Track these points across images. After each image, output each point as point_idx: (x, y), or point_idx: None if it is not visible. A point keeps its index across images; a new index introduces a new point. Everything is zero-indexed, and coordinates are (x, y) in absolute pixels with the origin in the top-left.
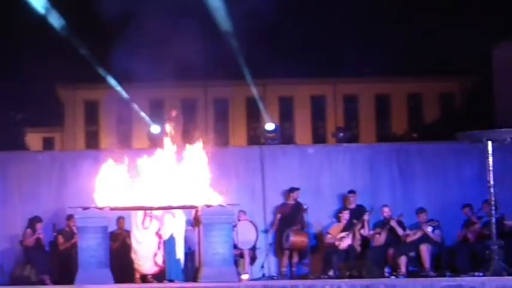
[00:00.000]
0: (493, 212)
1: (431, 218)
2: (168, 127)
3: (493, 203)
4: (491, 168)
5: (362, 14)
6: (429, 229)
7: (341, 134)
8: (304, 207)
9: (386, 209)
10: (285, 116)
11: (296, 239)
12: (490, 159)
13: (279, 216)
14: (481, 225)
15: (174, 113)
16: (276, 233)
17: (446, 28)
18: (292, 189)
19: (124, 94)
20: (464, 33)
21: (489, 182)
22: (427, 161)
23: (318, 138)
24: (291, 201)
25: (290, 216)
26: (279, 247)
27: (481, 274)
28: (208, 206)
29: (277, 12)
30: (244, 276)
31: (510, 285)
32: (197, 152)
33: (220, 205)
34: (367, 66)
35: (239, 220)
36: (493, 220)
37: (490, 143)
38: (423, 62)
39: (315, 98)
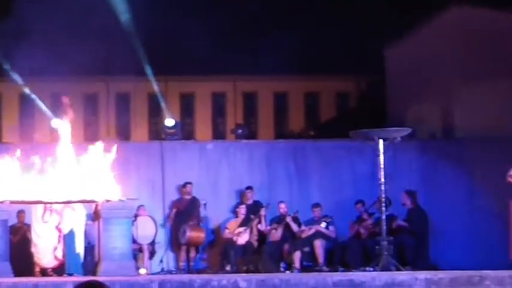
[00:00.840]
0: (383, 208)
1: (325, 214)
2: (65, 120)
3: (383, 200)
4: (382, 166)
5: (260, 12)
6: (323, 225)
7: (240, 131)
8: (202, 202)
9: (282, 205)
10: (186, 112)
11: (192, 234)
12: (381, 157)
13: (174, 211)
14: (373, 221)
15: (65, 100)
16: (171, 227)
17: (343, 28)
18: (185, 184)
19: (26, 89)
20: (360, 34)
21: (380, 179)
22: (322, 158)
23: (218, 134)
24: (187, 196)
25: (186, 211)
26: (175, 242)
27: (371, 269)
28: (108, 201)
29: (178, 10)
30: (142, 271)
31: (398, 280)
32: (98, 146)
33: (120, 200)
34: (266, 64)
35: (138, 215)
36: (383, 217)
37: (381, 142)
38: (321, 61)
39: (216, 95)
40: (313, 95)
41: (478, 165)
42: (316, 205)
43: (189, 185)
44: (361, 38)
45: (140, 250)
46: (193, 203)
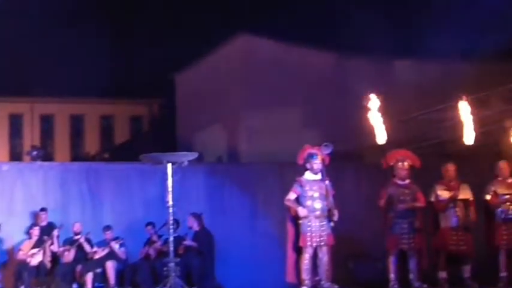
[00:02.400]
0: (171, 231)
1: (117, 235)
2: None
3: (171, 222)
4: (170, 189)
5: (56, 37)
6: (116, 246)
7: (34, 152)
8: None
9: (77, 225)
10: None
11: None
12: (170, 180)
13: None
14: (162, 243)
15: None
16: None
17: (136, 53)
18: None
19: None
20: (152, 59)
21: (168, 202)
22: (115, 180)
23: (15, 156)
24: None
25: None
26: None
27: None
28: None
29: None
30: None
31: None
32: None
33: None
34: (63, 87)
35: None
36: (171, 238)
37: (169, 165)
38: (115, 85)
39: (13, 117)
40: (108, 118)
41: (260, 188)
42: (107, 227)
43: None
44: (153, 63)
45: None
46: None
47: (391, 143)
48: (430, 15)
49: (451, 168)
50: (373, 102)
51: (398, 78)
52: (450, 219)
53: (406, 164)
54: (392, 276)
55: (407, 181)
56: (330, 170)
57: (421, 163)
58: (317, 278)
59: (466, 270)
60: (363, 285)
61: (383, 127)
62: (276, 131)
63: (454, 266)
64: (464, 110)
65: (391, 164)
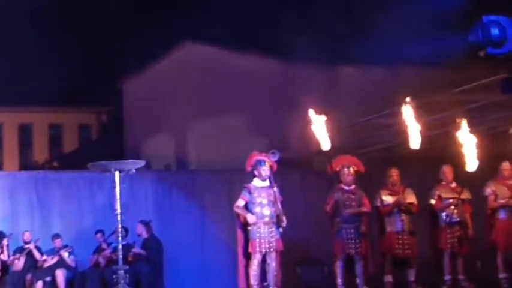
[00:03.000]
0: (120, 238)
1: (66, 243)
2: None
3: (120, 229)
4: (118, 197)
5: (7, 44)
6: (66, 255)
7: None
8: None
9: (27, 234)
10: None
11: None
12: (117, 188)
13: None
14: (111, 251)
15: None
16: None
17: (84, 61)
18: None
19: None
20: (100, 68)
21: (116, 210)
22: (63, 189)
23: None
24: None
25: None
26: None
27: None
28: None
29: None
30: None
31: None
32: None
33: None
34: (11, 96)
35: None
36: (120, 246)
37: (117, 173)
38: (64, 93)
39: None
40: (57, 126)
41: (209, 195)
42: (56, 236)
43: None
44: (101, 72)
45: None
46: None
47: (336, 149)
48: (373, 22)
49: (394, 173)
50: (316, 109)
51: (343, 84)
52: (395, 224)
53: (351, 169)
54: (339, 280)
55: (352, 186)
56: (278, 177)
57: (366, 168)
58: (265, 284)
59: (411, 274)
60: None
61: (327, 134)
62: (224, 139)
63: (400, 269)
64: (409, 114)
65: (337, 169)
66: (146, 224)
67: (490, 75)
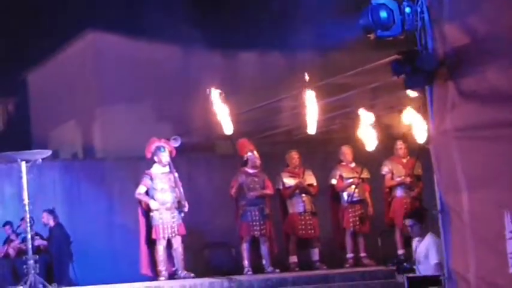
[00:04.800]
0: (28, 228)
1: None
2: None
3: (28, 220)
4: (25, 187)
5: None
6: None
7: None
8: None
9: None
10: None
11: None
12: (24, 179)
13: None
14: (20, 241)
15: None
16: None
17: None
18: None
19: None
20: (4, 58)
21: (24, 200)
22: None
23: None
24: None
25: None
26: None
27: None
28: None
29: None
30: None
31: None
32: None
33: None
34: None
35: None
36: (29, 236)
37: (23, 164)
38: None
39: None
40: None
41: (115, 183)
42: None
43: None
44: (3, 61)
45: None
46: None
47: (239, 133)
48: (270, 7)
49: (294, 155)
50: (217, 94)
51: (244, 70)
52: (297, 205)
53: (256, 153)
54: (246, 262)
55: (256, 169)
56: (183, 161)
57: (268, 151)
58: (174, 269)
59: (315, 254)
60: (219, 272)
61: (229, 118)
62: (130, 126)
63: (304, 250)
64: (307, 98)
65: (243, 153)
66: (51, 211)
67: (383, 57)
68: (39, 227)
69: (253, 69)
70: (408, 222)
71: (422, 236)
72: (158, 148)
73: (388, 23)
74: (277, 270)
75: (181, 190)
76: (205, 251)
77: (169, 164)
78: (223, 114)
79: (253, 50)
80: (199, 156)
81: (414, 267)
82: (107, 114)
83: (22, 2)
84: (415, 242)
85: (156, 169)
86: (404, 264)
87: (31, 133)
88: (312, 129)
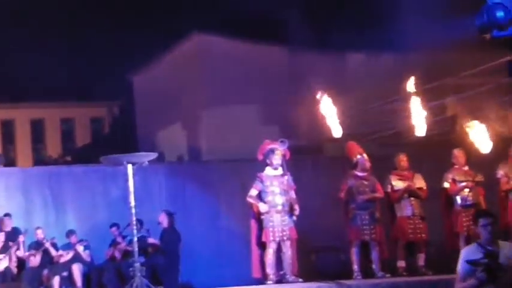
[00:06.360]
0: (135, 231)
1: (81, 238)
2: None
3: (134, 222)
4: (131, 190)
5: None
6: (81, 249)
7: None
8: None
9: (39, 231)
10: None
11: None
12: (131, 181)
13: None
14: (126, 243)
15: None
16: None
17: (92, 56)
18: None
19: None
20: (108, 61)
21: (130, 203)
22: (77, 183)
23: None
24: None
25: None
26: None
27: None
28: None
29: None
30: None
31: None
32: None
33: None
34: (22, 91)
35: None
36: (135, 239)
37: (130, 166)
38: (74, 87)
39: None
40: (69, 121)
41: (221, 186)
42: (71, 232)
43: None
44: (110, 65)
45: None
46: None
47: (347, 136)
48: (381, 8)
49: (403, 158)
50: (326, 96)
51: (352, 71)
52: (405, 209)
53: (365, 155)
54: (355, 267)
55: (366, 173)
56: (289, 165)
57: (376, 154)
58: (281, 272)
59: (421, 258)
60: (327, 277)
61: (338, 120)
62: (235, 128)
63: (411, 254)
64: (415, 101)
65: (353, 156)
66: (170, 214)
67: (497, 58)
68: (147, 226)
69: (361, 71)
70: None
71: None
72: (271, 150)
73: (504, 23)
74: (388, 275)
75: (294, 193)
76: (312, 255)
77: (281, 167)
78: (332, 117)
79: (361, 51)
80: (305, 158)
81: None
82: (213, 116)
83: (128, 5)
84: None
85: (268, 171)
86: None
87: (136, 135)
88: (421, 131)
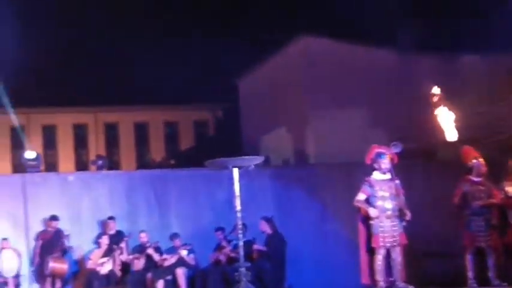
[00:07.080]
0: (241, 235)
1: (185, 242)
2: None
3: (240, 226)
4: (237, 194)
5: (118, 44)
6: (185, 253)
7: (100, 162)
8: (65, 233)
9: (143, 235)
10: (48, 144)
11: (55, 265)
12: (237, 185)
13: (40, 242)
14: (231, 248)
15: None
16: (37, 259)
17: (197, 59)
18: (52, 218)
19: None
20: (214, 65)
21: (236, 206)
22: (181, 187)
23: (81, 165)
24: (51, 228)
25: (51, 242)
26: (41, 274)
27: None
28: None
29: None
30: None
31: None
32: None
33: None
34: (126, 95)
35: (3, 248)
36: (241, 243)
37: (235, 170)
38: (178, 91)
39: (77, 126)
40: (172, 124)
41: (328, 190)
42: (175, 235)
43: (55, 221)
44: (215, 69)
45: (5, 283)
46: (58, 234)
47: (459, 140)
48: (497, 8)
49: None
50: (440, 98)
51: (464, 74)
52: None
53: (481, 160)
54: (470, 274)
55: (481, 178)
56: (400, 168)
57: (488, 159)
58: (391, 279)
59: None
60: (439, 284)
61: (453, 124)
62: (343, 132)
63: None
64: None
65: (468, 161)
66: (268, 220)
67: None
68: (253, 233)
69: (473, 73)
70: None
71: None
72: (379, 155)
73: None
74: (505, 284)
75: (403, 198)
76: (423, 260)
77: (390, 171)
78: (446, 120)
79: (475, 53)
80: (417, 162)
81: None
82: (320, 120)
83: (234, 9)
84: None
85: (376, 176)
86: None
87: (241, 139)
88: None
